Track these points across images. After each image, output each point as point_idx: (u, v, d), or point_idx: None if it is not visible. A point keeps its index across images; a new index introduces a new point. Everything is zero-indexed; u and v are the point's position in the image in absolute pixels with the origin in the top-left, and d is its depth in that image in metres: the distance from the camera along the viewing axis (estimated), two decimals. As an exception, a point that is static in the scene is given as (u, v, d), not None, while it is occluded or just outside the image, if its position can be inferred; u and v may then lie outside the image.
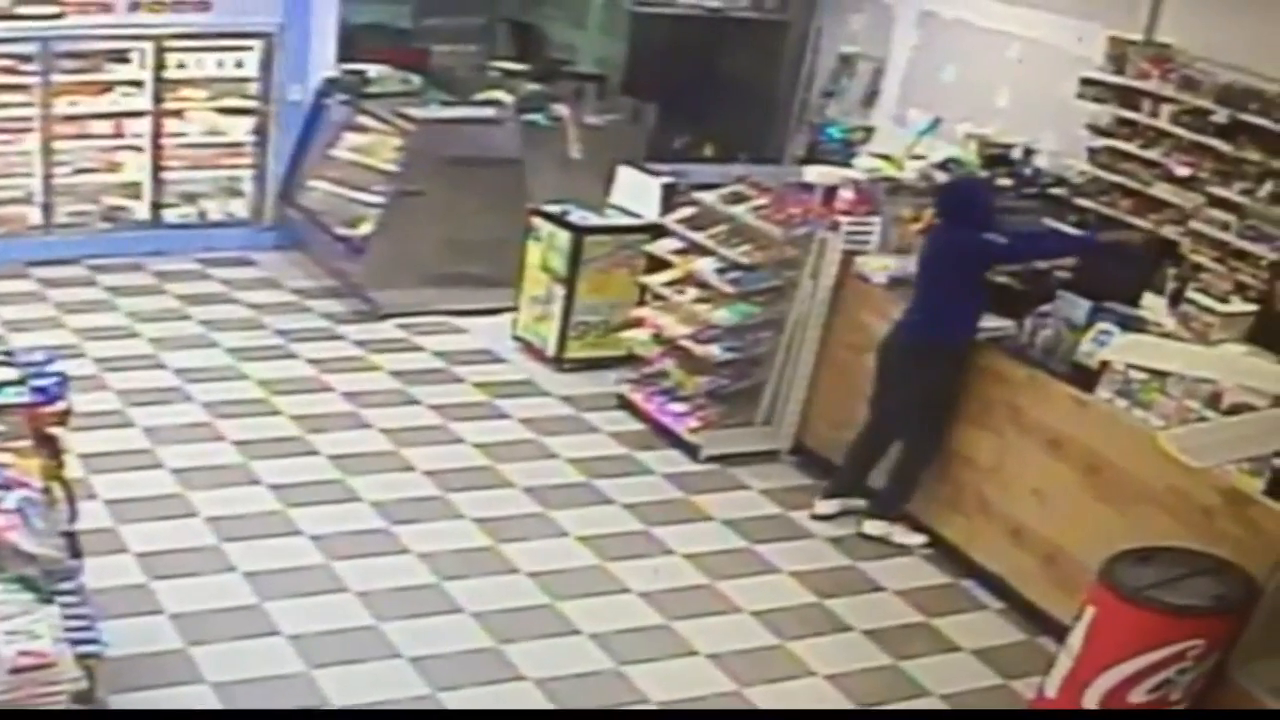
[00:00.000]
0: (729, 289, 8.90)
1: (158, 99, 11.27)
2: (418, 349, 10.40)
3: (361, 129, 11.70)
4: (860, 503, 8.45)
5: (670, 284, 9.40)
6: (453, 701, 6.49)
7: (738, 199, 9.19)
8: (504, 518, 8.11)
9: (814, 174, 9.59)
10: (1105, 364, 7.40)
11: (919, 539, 8.27)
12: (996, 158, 10.63)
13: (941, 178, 9.88)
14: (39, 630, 4.64)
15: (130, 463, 8.20)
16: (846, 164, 10.39)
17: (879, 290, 8.61)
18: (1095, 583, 6.37)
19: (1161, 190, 10.37)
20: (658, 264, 9.58)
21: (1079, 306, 7.78)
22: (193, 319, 10.45)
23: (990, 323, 7.98)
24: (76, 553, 5.45)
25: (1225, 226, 9.93)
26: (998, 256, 8.04)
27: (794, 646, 7.25)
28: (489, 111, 11.48)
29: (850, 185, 9.24)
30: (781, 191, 9.15)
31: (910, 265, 8.36)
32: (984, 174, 10.28)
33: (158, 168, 11.47)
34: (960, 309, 7.91)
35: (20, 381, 5.49)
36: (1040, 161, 10.93)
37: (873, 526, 8.32)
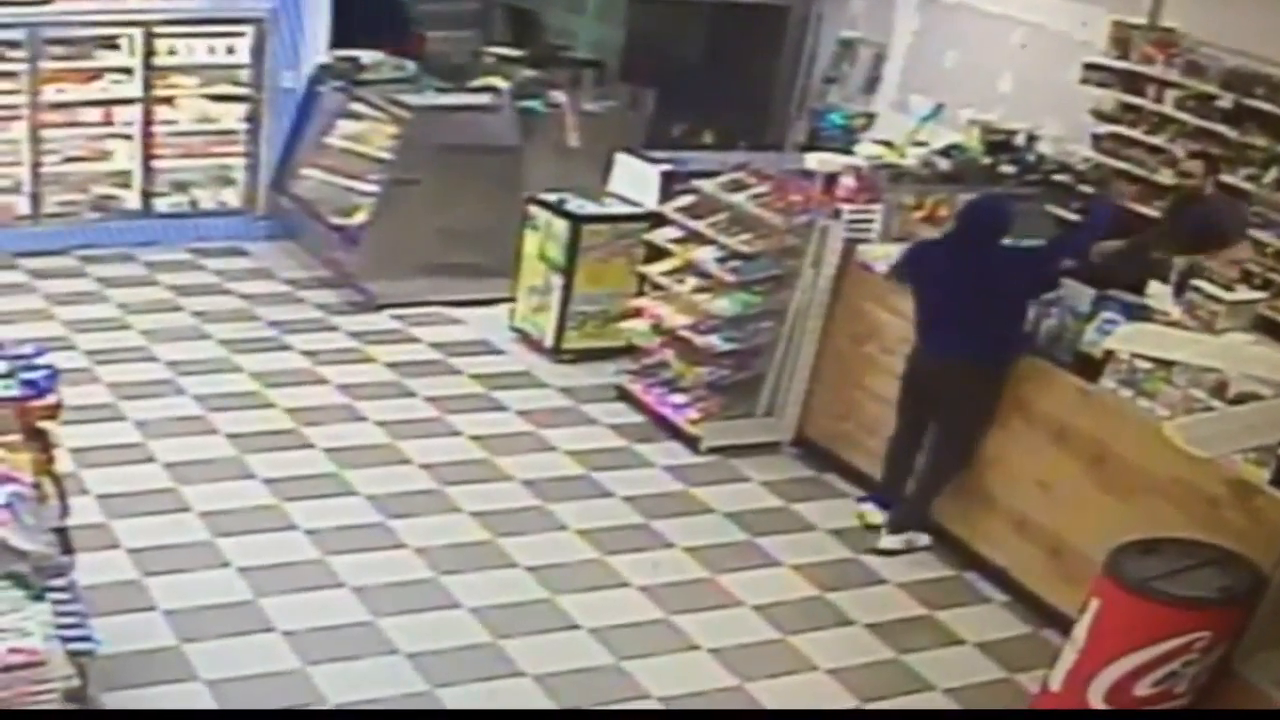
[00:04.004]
0: (729, 278, 8.82)
1: (148, 86, 11.14)
2: (413, 340, 10.31)
3: (356, 116, 11.60)
4: (925, 538, 8.12)
5: (669, 273, 9.32)
6: (450, 698, 6.41)
7: (738, 187, 9.10)
8: (502, 511, 8.04)
9: (815, 161, 9.54)
10: (1110, 353, 7.34)
11: (927, 538, 8.15)
12: (999, 144, 10.53)
13: (944, 165, 9.82)
14: (30, 628, 4.63)
15: (122, 457, 8.12)
16: (848, 151, 10.33)
17: (881, 279, 8.52)
18: (1100, 575, 6.31)
19: (1166, 176, 10.30)
20: (657, 253, 9.51)
21: (1083, 295, 7.71)
22: (185, 310, 10.35)
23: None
24: (68, 549, 5.43)
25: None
26: (1051, 260, 7.96)
27: (795, 641, 7.19)
28: (485, 98, 11.37)
29: (852, 173, 9.22)
30: (782, 179, 9.06)
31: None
32: (986, 160, 10.18)
33: (148, 156, 11.34)
34: (1020, 322, 7.74)
35: (9, 375, 5.43)
36: (1044, 148, 10.84)
37: (892, 541, 8.08)
